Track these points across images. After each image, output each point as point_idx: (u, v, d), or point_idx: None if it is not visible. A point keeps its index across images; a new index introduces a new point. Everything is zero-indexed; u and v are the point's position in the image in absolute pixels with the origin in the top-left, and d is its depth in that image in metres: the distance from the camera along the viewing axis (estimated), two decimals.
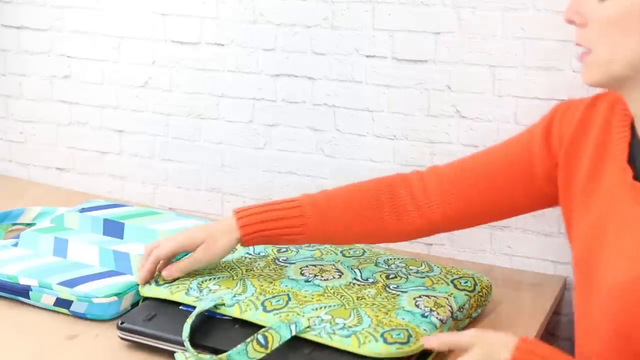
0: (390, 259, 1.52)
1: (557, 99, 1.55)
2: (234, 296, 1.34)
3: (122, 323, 1.34)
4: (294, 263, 1.47)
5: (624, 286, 1.09)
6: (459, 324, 1.37)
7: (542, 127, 1.31)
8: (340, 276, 1.42)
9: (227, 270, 1.43)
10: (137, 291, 1.45)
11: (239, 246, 1.49)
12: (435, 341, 1.20)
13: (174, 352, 1.27)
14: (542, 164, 1.30)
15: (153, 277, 1.41)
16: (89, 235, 1.65)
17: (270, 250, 1.53)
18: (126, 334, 1.33)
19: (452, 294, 1.39)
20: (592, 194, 1.20)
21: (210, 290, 1.36)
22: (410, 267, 1.49)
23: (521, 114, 1.62)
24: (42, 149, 2.10)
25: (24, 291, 1.45)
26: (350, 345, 1.22)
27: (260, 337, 1.23)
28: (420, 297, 1.36)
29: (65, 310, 1.44)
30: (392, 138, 1.74)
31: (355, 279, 1.42)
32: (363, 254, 1.53)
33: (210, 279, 1.39)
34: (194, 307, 1.32)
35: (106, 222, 1.67)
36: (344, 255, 1.52)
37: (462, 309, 1.37)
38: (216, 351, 1.25)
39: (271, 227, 1.36)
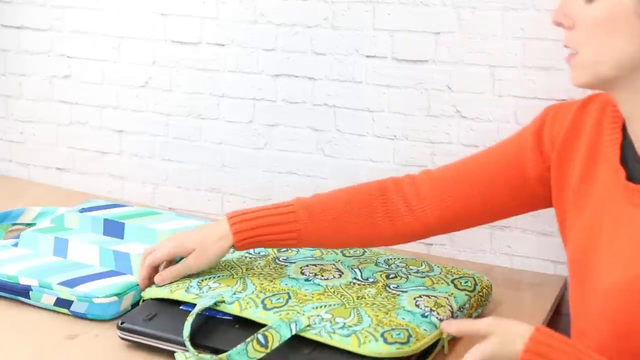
0: (391, 258, 1.52)
1: (556, 99, 1.55)
2: (234, 294, 1.34)
3: (122, 323, 1.34)
4: (294, 262, 1.47)
5: (621, 286, 1.09)
6: None
7: (533, 129, 1.31)
8: (340, 276, 1.43)
9: (227, 269, 1.43)
10: (137, 291, 1.46)
11: None
12: (454, 327, 1.18)
13: (174, 352, 1.27)
14: (534, 166, 1.31)
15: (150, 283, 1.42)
16: (89, 235, 1.65)
17: (270, 249, 1.53)
18: (126, 334, 1.33)
19: (452, 293, 1.39)
20: (586, 195, 1.20)
21: (210, 288, 1.36)
22: (410, 266, 1.49)
23: (521, 114, 1.62)
24: (42, 149, 2.10)
25: (24, 291, 1.45)
26: (350, 344, 1.22)
27: (260, 336, 1.23)
28: (420, 297, 1.36)
29: (65, 310, 1.44)
30: (392, 138, 1.74)
31: (355, 278, 1.42)
32: (363, 253, 1.53)
33: (210, 278, 1.40)
34: (194, 306, 1.32)
35: (106, 222, 1.67)
36: (344, 255, 1.52)
37: (462, 309, 1.37)
38: (216, 351, 1.25)
39: (265, 232, 1.37)
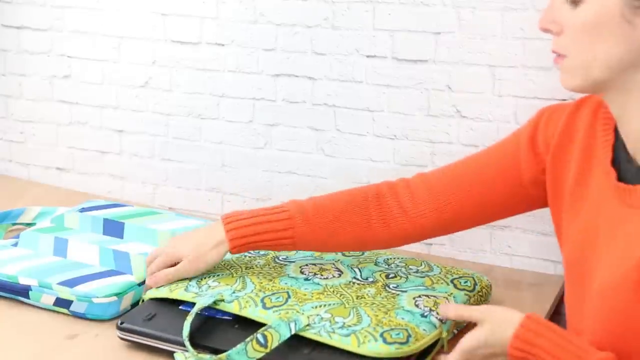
0: (390, 258, 1.52)
1: (556, 99, 1.55)
2: (233, 292, 1.34)
3: (121, 323, 1.34)
4: (293, 262, 1.47)
5: (614, 285, 1.09)
6: (459, 324, 1.37)
7: (527, 132, 1.32)
8: (339, 275, 1.43)
9: (226, 268, 1.44)
10: (137, 291, 1.46)
11: None
12: (453, 311, 1.23)
13: (174, 352, 1.27)
14: (529, 168, 1.31)
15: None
16: (89, 235, 1.65)
17: None
18: (126, 334, 1.33)
19: (452, 293, 1.39)
20: (581, 198, 1.21)
21: (209, 286, 1.36)
22: (410, 266, 1.49)
23: (521, 114, 1.62)
24: (42, 149, 2.10)
25: (24, 291, 1.45)
26: (349, 344, 1.22)
27: (259, 336, 1.23)
28: (420, 296, 1.36)
29: (65, 310, 1.44)
30: (392, 138, 1.74)
31: (355, 278, 1.42)
32: (363, 253, 1.53)
33: (209, 277, 1.40)
34: (193, 306, 1.32)
35: (106, 222, 1.67)
36: (343, 255, 1.52)
37: None
38: (216, 351, 1.25)
39: (261, 238, 1.38)
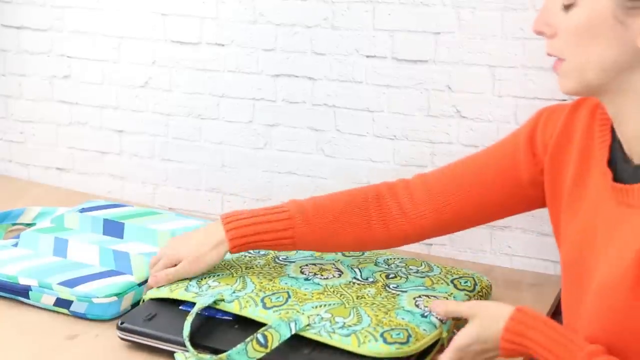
0: (390, 258, 1.52)
1: (556, 99, 1.55)
2: (234, 292, 1.34)
3: (121, 323, 1.34)
4: (293, 262, 1.47)
5: (612, 284, 1.10)
6: (459, 324, 1.37)
7: (525, 133, 1.32)
8: (340, 275, 1.43)
9: (226, 268, 1.44)
10: (137, 291, 1.46)
11: None
12: (442, 308, 1.26)
13: (174, 352, 1.27)
14: (527, 169, 1.32)
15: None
16: (89, 235, 1.64)
17: None
18: (126, 334, 1.33)
19: (452, 293, 1.39)
20: (579, 198, 1.21)
21: (209, 286, 1.36)
22: (410, 266, 1.49)
23: (521, 114, 1.62)
24: (42, 149, 2.10)
25: (24, 291, 1.45)
26: (350, 344, 1.22)
27: (259, 336, 1.23)
28: (420, 297, 1.36)
29: (65, 310, 1.44)
30: (392, 138, 1.74)
31: (355, 278, 1.42)
32: (363, 253, 1.53)
33: (209, 276, 1.40)
34: (194, 305, 1.32)
35: (106, 222, 1.67)
36: (343, 255, 1.52)
37: None
38: (216, 351, 1.25)
39: (261, 238, 1.38)
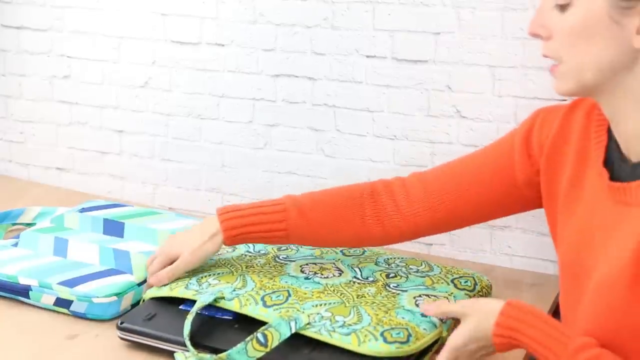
0: (390, 258, 1.52)
1: (556, 99, 1.54)
2: (234, 290, 1.34)
3: (121, 323, 1.34)
4: (294, 261, 1.47)
5: (610, 281, 1.10)
6: (459, 323, 1.37)
7: (521, 134, 1.32)
8: (340, 274, 1.43)
9: (226, 267, 1.44)
10: (137, 291, 1.46)
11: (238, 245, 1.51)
12: (433, 308, 1.26)
13: (174, 352, 1.27)
14: (522, 170, 1.32)
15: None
16: (89, 235, 1.65)
17: (270, 248, 1.53)
18: (125, 334, 1.33)
19: (452, 293, 1.39)
20: (576, 200, 1.21)
21: (209, 284, 1.37)
22: (410, 266, 1.49)
23: (521, 114, 1.62)
24: (42, 149, 2.10)
25: (24, 291, 1.45)
26: (350, 343, 1.22)
27: (259, 335, 1.23)
28: (420, 296, 1.36)
29: (65, 310, 1.44)
30: (392, 138, 1.74)
31: (355, 277, 1.42)
32: (363, 253, 1.54)
33: (209, 275, 1.40)
34: (193, 305, 1.31)
35: (106, 221, 1.67)
36: (344, 255, 1.52)
37: None
38: (216, 351, 1.25)
39: (254, 229, 1.39)
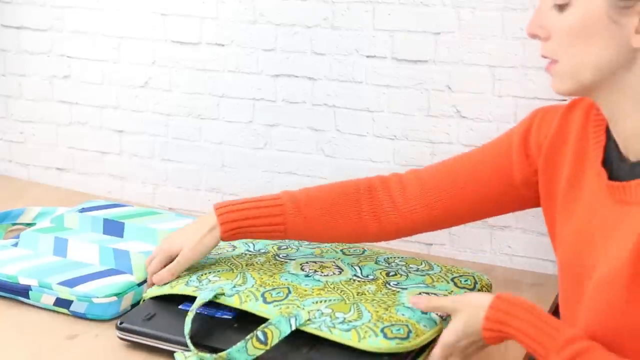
0: (391, 257, 1.52)
1: (556, 99, 1.55)
2: (234, 287, 1.34)
3: (121, 323, 1.34)
4: (294, 259, 1.48)
5: (609, 280, 1.10)
6: None
7: (519, 134, 1.32)
8: (340, 272, 1.43)
9: (226, 264, 1.44)
10: (137, 291, 1.46)
11: (238, 243, 1.51)
12: (423, 303, 1.25)
13: (174, 351, 1.27)
14: (520, 169, 1.32)
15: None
16: (89, 235, 1.64)
17: (270, 247, 1.53)
18: (125, 334, 1.33)
19: (452, 291, 1.39)
20: (574, 200, 1.21)
21: (210, 281, 1.36)
22: (410, 265, 1.49)
23: (521, 114, 1.62)
24: (42, 149, 2.10)
25: (24, 291, 1.45)
26: (350, 339, 1.22)
27: (259, 333, 1.23)
28: (420, 294, 1.36)
29: (65, 310, 1.44)
30: (392, 138, 1.74)
31: (355, 275, 1.42)
32: (363, 252, 1.54)
33: (210, 272, 1.40)
34: (193, 303, 1.31)
35: (106, 221, 1.67)
36: (344, 254, 1.52)
37: None
38: (216, 350, 1.25)
39: (251, 224, 1.39)
